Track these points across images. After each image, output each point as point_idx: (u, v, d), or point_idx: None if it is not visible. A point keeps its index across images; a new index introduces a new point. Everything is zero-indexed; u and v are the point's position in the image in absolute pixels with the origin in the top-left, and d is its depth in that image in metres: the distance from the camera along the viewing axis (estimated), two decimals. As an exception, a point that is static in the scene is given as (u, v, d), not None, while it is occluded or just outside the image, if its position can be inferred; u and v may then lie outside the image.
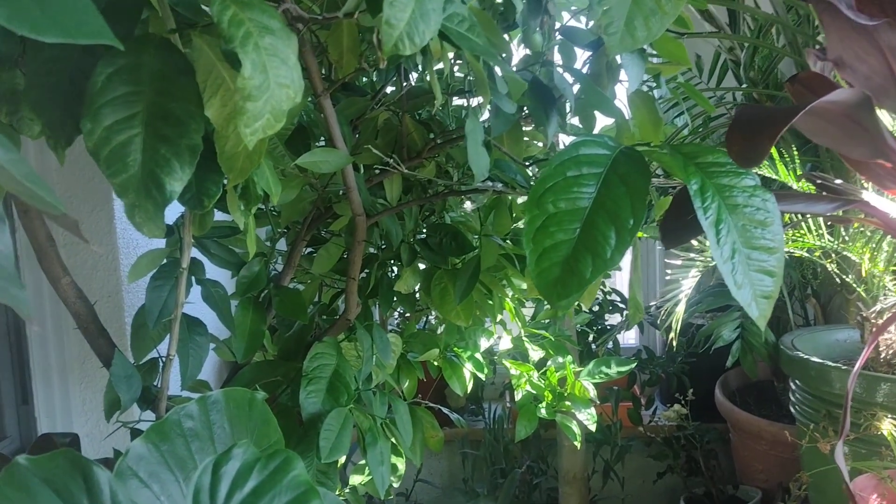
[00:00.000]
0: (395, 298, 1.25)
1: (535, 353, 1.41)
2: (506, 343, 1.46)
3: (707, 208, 0.66)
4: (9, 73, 0.65)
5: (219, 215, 0.88)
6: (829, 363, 1.32)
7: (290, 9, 0.64)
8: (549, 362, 1.40)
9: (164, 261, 0.85)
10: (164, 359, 0.84)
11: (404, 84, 0.99)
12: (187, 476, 0.64)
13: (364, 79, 1.22)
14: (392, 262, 1.26)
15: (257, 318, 0.96)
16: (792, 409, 1.50)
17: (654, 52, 1.07)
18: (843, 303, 1.68)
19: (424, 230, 1.21)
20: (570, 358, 1.36)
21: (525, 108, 1.00)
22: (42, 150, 1.33)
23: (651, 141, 1.11)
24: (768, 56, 1.75)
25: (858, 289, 1.42)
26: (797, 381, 1.45)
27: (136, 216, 0.52)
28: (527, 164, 0.96)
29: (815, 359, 1.36)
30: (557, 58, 1.21)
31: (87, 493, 0.44)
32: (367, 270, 1.27)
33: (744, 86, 1.70)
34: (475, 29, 0.66)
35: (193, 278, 0.88)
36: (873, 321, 1.38)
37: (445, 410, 1.50)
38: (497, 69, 0.84)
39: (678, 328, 1.37)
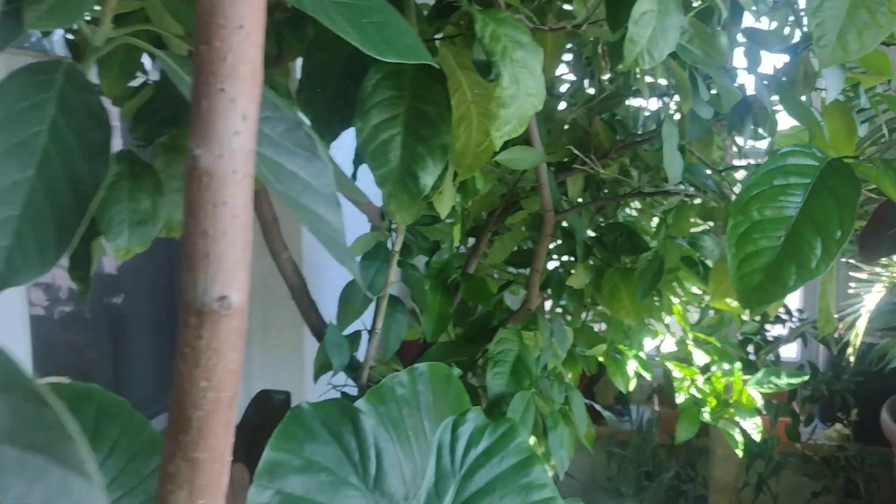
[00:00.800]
0: (564, 293, 1.29)
1: (700, 358, 1.41)
2: (669, 345, 1.47)
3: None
4: (268, 71, 0.75)
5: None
6: None
7: (520, 19, 0.69)
8: (713, 368, 1.40)
9: (374, 244, 0.94)
10: (368, 331, 0.93)
11: (602, 83, 1.03)
12: (400, 435, 0.72)
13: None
14: (562, 256, 1.30)
15: (445, 301, 1.04)
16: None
17: (854, 63, 1.05)
18: None
19: (599, 228, 1.24)
20: (738, 365, 1.35)
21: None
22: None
23: (843, 150, 1.09)
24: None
25: None
26: None
27: (392, 204, 0.59)
28: (718, 169, 0.98)
29: None
30: (736, 61, 1.21)
31: (355, 435, 0.52)
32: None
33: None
34: (694, 40, 0.69)
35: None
36: None
37: (598, 406, 1.53)
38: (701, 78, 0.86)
39: (857, 345, 1.32)
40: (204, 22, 0.29)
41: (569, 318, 1.55)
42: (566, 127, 1.14)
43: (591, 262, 1.29)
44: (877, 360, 1.73)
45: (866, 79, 1.02)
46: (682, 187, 0.93)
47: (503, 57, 0.53)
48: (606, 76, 0.69)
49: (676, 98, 0.99)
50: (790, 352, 2.41)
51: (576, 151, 0.93)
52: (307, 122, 0.68)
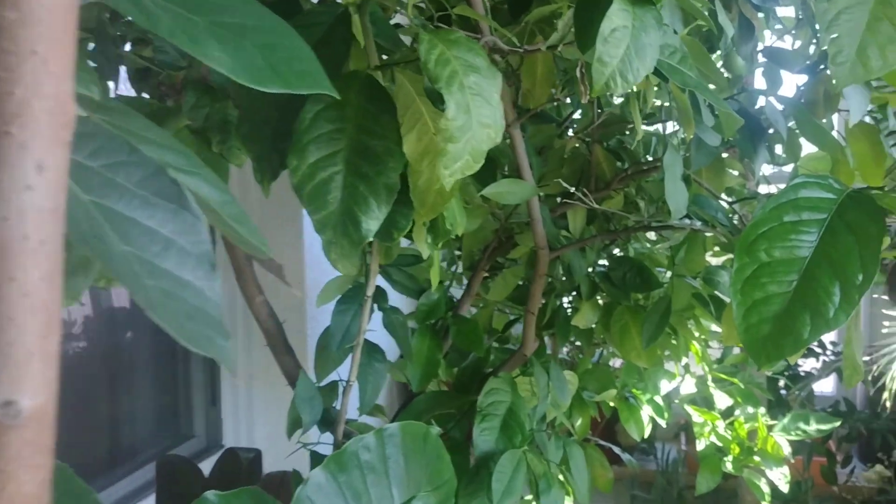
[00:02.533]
0: (571, 332, 1.21)
1: (722, 400, 1.30)
2: (688, 385, 1.37)
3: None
4: (221, 104, 0.69)
5: (403, 241, 0.89)
6: None
7: (489, 41, 0.62)
8: (736, 411, 1.29)
9: (350, 286, 0.87)
10: (344, 382, 0.85)
11: (598, 111, 0.95)
12: (362, 510, 0.64)
13: (554, 103, 1.20)
14: (570, 293, 1.21)
15: (434, 346, 0.96)
16: None
17: (881, 80, 0.96)
18: None
19: (606, 262, 1.16)
20: (762, 410, 1.24)
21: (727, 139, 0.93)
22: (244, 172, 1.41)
23: (871, 177, 0.99)
24: None
25: None
26: None
27: (332, 252, 0.52)
28: (729, 200, 0.89)
29: None
30: (759, 82, 1.12)
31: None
32: (543, 300, 1.24)
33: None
34: (686, 61, 0.61)
35: (375, 305, 0.89)
36: None
37: (616, 449, 1.43)
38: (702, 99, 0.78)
39: (893, 389, 1.21)
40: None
41: (581, 355, 1.46)
42: (566, 156, 1.06)
43: (600, 300, 1.21)
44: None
45: (895, 98, 0.92)
46: (687, 221, 0.84)
47: (449, 83, 0.46)
48: (586, 99, 0.60)
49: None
50: (825, 386, 2.27)
51: (564, 184, 0.85)
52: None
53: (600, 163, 0.99)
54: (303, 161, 0.51)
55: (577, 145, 1.03)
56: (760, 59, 1.07)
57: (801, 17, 1.14)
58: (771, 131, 0.92)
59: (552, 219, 1.10)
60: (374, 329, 0.86)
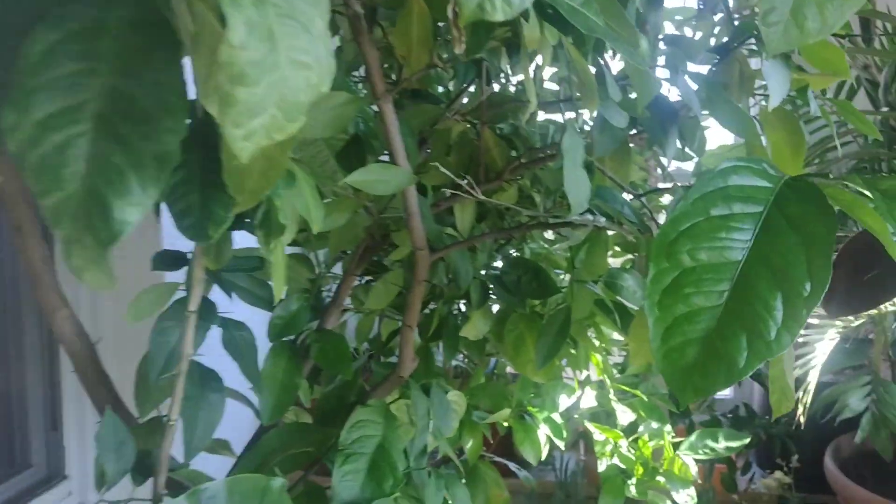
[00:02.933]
0: (460, 344, 1.06)
1: (625, 416, 1.19)
2: (589, 398, 1.25)
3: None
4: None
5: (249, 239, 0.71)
6: None
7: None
8: (640, 427, 1.18)
9: (177, 296, 0.68)
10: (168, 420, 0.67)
11: (486, 87, 0.80)
12: None
13: (440, 88, 1.05)
14: (459, 299, 1.07)
15: (292, 369, 0.79)
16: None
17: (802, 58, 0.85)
18: None
19: (499, 265, 1.02)
20: (668, 428, 1.13)
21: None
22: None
23: (789, 169, 0.89)
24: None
25: None
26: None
27: (74, 256, 0.34)
28: (637, 192, 0.76)
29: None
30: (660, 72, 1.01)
31: None
32: (431, 306, 1.09)
33: (883, 110, 1.45)
34: (591, 5, 0.46)
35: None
36: None
37: (513, 466, 1.30)
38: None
39: (808, 402, 1.13)
40: None
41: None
42: (453, 141, 0.91)
43: (495, 306, 1.07)
44: (823, 410, 1.55)
45: (817, 80, 0.82)
46: (590, 217, 0.70)
47: (235, -9, 0.29)
48: (461, 48, 0.45)
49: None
50: (725, 391, 2.24)
51: (445, 171, 0.70)
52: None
53: (490, 149, 0.85)
54: (26, 116, 0.33)
55: (463, 130, 0.88)
56: (662, 47, 0.96)
57: (702, 6, 1.04)
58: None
59: (437, 214, 0.95)
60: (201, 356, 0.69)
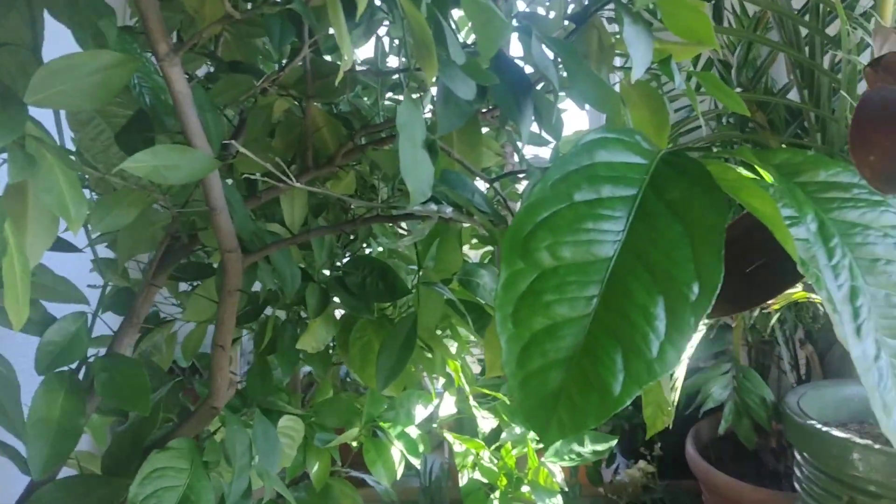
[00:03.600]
0: (301, 356, 0.92)
1: (486, 422, 1.09)
2: (448, 405, 1.15)
3: (837, 269, 0.36)
4: None
5: None
6: (857, 440, 1.05)
7: None
8: (503, 434, 1.09)
9: None
10: None
11: (311, 55, 0.67)
12: None
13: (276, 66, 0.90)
14: (296, 305, 0.93)
15: (71, 407, 0.62)
16: (797, 487, 1.23)
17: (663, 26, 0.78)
18: (846, 352, 1.42)
19: (342, 264, 0.89)
20: (532, 434, 1.05)
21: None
22: None
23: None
24: (755, 57, 1.50)
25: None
26: (805, 455, 1.18)
27: None
28: (490, 178, 0.65)
29: (837, 432, 1.08)
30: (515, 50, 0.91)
31: None
32: (266, 313, 0.94)
33: (737, 91, 1.44)
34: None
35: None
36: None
37: (371, 480, 1.18)
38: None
39: (675, 400, 1.08)
40: None
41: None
42: (278, 120, 0.77)
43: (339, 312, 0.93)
44: (686, 401, 1.53)
45: (681, 50, 0.75)
46: (434, 207, 0.59)
47: None
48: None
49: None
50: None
51: (249, 154, 0.56)
52: None
53: (320, 128, 0.71)
54: None
55: (289, 107, 0.75)
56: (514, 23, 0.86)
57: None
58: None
59: (263, 207, 0.81)
60: None
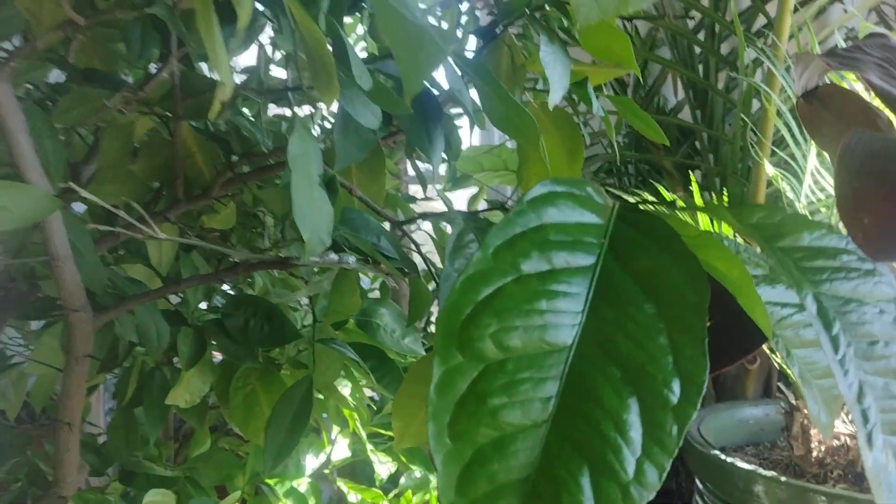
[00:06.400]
0: (168, 412, 0.80)
1: (384, 467, 1.00)
2: (342, 448, 1.05)
3: (844, 363, 0.30)
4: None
5: None
6: (762, 472, 1.04)
7: None
8: (402, 479, 1.00)
9: None
10: None
11: (181, 69, 0.56)
12: None
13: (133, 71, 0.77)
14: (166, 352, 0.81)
15: None
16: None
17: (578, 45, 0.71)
18: (739, 373, 1.44)
19: (222, 305, 0.78)
20: (433, 477, 0.97)
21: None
22: None
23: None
24: (646, 75, 1.49)
25: (775, 356, 1.16)
26: (708, 485, 1.17)
27: None
28: (398, 220, 0.56)
29: (741, 464, 1.07)
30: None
31: None
32: (127, 365, 0.82)
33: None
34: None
35: None
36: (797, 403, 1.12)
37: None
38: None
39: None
40: None
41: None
42: (141, 142, 0.65)
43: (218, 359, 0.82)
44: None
45: (598, 72, 0.69)
46: (334, 257, 0.49)
47: None
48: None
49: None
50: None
51: (88, 194, 0.45)
52: None
53: (192, 153, 0.60)
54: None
55: (154, 126, 0.63)
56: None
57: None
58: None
59: (124, 244, 0.69)
60: None
